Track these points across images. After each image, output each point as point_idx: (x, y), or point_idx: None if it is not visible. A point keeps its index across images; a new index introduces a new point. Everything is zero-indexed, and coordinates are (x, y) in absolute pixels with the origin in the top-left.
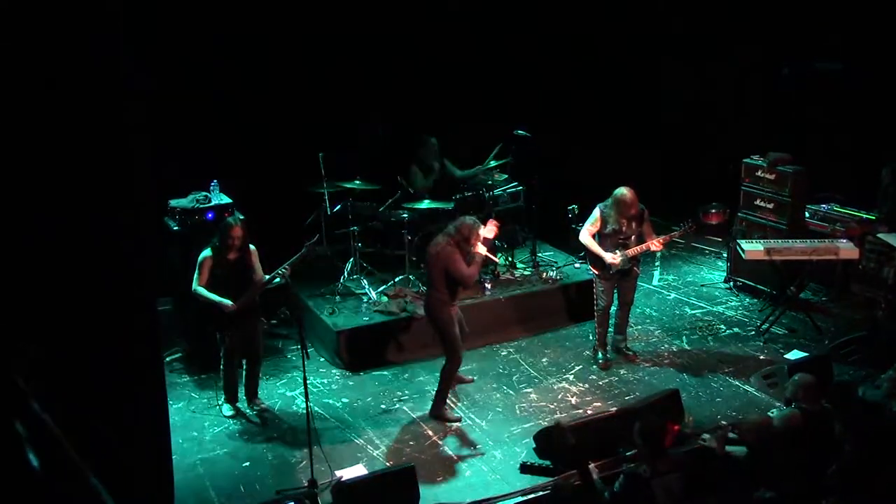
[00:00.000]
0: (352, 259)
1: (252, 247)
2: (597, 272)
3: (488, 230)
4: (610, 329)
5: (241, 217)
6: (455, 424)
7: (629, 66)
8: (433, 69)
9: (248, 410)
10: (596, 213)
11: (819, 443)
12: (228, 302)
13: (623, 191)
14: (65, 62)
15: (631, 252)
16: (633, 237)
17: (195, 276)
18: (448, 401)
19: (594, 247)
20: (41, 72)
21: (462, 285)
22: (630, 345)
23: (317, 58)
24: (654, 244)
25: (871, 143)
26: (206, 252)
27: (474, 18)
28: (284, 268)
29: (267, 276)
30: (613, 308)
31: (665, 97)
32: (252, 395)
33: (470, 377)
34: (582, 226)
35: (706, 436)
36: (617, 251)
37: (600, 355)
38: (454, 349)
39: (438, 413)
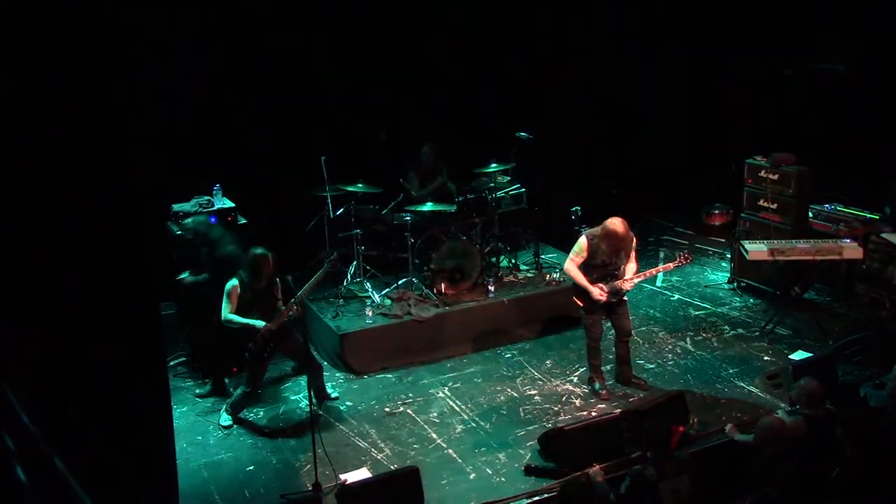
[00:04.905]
0: (355, 262)
1: (277, 279)
2: (582, 305)
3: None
4: (611, 356)
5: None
6: (459, 427)
7: (630, 65)
8: (434, 72)
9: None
10: (583, 241)
11: (822, 447)
12: (262, 323)
13: (616, 223)
14: (69, 67)
15: (620, 284)
16: (622, 267)
17: (224, 305)
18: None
19: (581, 279)
20: (43, 74)
21: None
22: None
23: (318, 59)
24: (648, 273)
25: (873, 143)
26: (234, 282)
27: (475, 20)
28: (305, 289)
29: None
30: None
31: (666, 97)
32: (322, 398)
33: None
34: (585, 229)
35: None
36: (605, 283)
37: (598, 385)
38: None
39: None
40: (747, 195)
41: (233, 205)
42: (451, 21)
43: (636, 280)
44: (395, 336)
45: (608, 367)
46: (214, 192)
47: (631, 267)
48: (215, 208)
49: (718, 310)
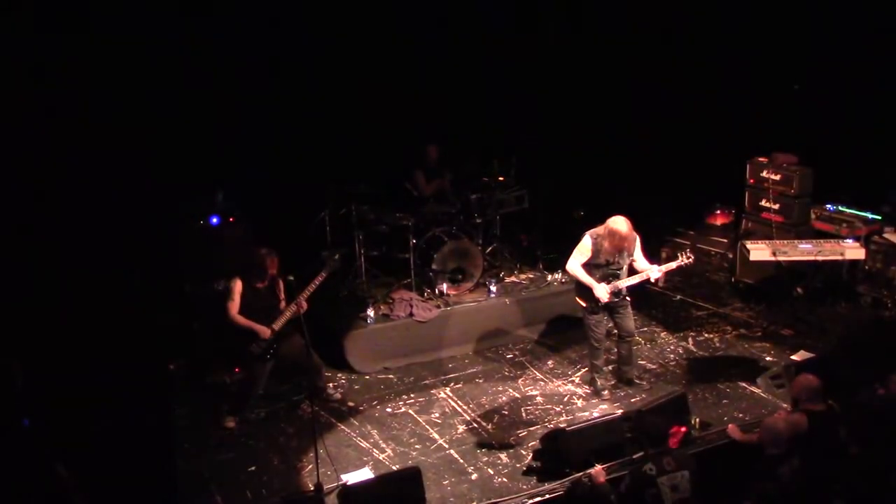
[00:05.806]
0: (357, 262)
1: (280, 280)
2: (584, 304)
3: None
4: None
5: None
6: (461, 427)
7: (632, 66)
8: (437, 75)
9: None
10: (587, 241)
11: (824, 447)
12: (265, 328)
13: (618, 222)
14: (74, 76)
15: (622, 284)
16: (624, 267)
17: (229, 303)
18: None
19: (584, 278)
20: (44, 75)
21: None
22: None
23: (320, 59)
24: (650, 273)
25: (876, 143)
26: (237, 279)
27: (476, 24)
28: (307, 289)
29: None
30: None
31: (670, 97)
32: (324, 399)
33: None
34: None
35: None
36: (607, 283)
37: (600, 386)
38: None
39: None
40: (749, 195)
41: (234, 206)
42: (451, 20)
43: (637, 280)
44: (396, 336)
45: (610, 368)
46: (217, 192)
47: (639, 264)
48: (217, 208)
49: (720, 310)
